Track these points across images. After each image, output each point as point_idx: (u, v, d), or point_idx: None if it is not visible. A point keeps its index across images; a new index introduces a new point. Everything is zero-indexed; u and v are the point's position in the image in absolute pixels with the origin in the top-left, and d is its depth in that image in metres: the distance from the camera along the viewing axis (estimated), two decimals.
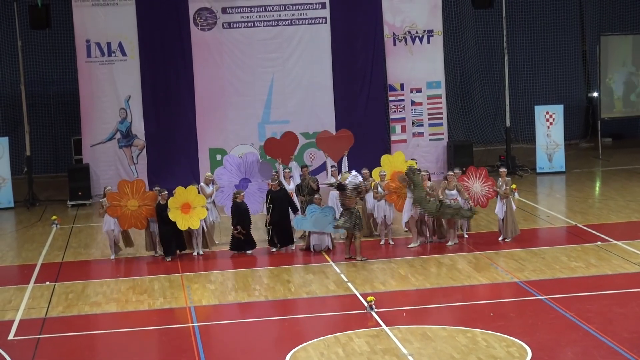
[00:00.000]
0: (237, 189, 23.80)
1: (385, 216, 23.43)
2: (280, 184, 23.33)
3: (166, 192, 22.89)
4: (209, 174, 24.48)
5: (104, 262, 22.81)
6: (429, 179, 24.73)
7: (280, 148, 25.05)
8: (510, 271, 20.40)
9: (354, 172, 22.70)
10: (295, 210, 23.34)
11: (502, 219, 22.99)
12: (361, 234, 22.39)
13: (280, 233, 22.95)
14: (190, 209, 22.50)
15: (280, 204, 22.95)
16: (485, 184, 23.27)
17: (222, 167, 24.54)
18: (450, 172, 23.45)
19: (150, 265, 22.43)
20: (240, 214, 22.88)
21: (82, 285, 20.92)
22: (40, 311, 19.04)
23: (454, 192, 22.86)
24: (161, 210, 22.48)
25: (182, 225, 22.43)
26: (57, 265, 22.97)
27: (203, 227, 23.05)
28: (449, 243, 22.83)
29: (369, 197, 23.94)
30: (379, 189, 23.51)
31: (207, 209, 22.96)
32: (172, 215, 22.36)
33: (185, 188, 22.71)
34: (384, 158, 24.75)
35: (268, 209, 23.05)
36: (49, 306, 19.35)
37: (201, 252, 22.95)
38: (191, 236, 22.98)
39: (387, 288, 19.62)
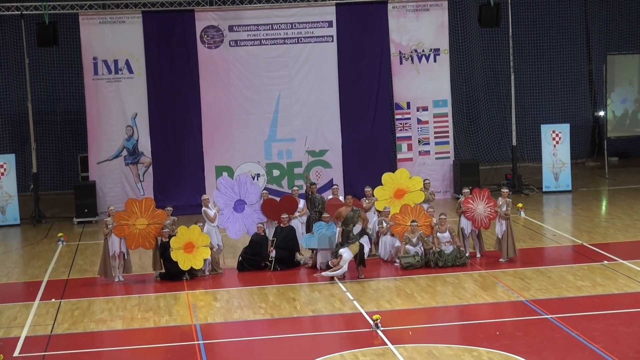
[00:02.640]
0: (234, 211, 23.85)
1: (390, 252, 23.35)
2: (289, 220, 23.38)
3: (171, 209, 23.13)
4: (205, 195, 24.38)
5: (109, 279, 22.75)
6: (434, 198, 24.84)
7: (277, 210, 24.03)
8: (516, 290, 20.36)
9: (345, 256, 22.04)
10: (297, 250, 23.44)
11: (501, 239, 22.96)
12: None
13: (284, 264, 23.14)
14: (194, 249, 22.44)
15: (283, 240, 23.08)
16: (488, 205, 23.25)
17: (217, 191, 24.44)
18: (442, 215, 23.18)
19: (156, 283, 22.41)
20: (258, 245, 23.13)
21: (88, 302, 20.91)
22: (45, 328, 19.04)
23: (447, 234, 22.88)
24: (164, 249, 22.43)
25: (184, 265, 22.28)
26: (63, 282, 22.96)
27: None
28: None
29: (369, 216, 23.96)
30: (384, 224, 23.49)
31: (211, 245, 22.91)
32: (174, 255, 22.25)
33: (188, 227, 22.56)
34: (385, 176, 24.71)
35: (272, 241, 23.12)
36: (55, 323, 19.34)
37: (207, 274, 22.90)
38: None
39: (393, 306, 19.58)
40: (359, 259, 21.89)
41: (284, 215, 23.31)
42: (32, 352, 17.60)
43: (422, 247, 22.74)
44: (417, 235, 22.73)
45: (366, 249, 22.28)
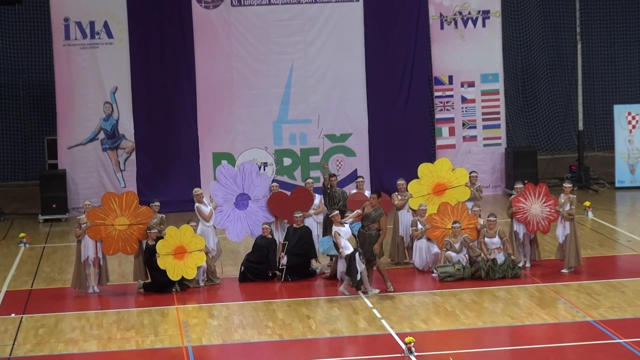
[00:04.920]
0: (235, 207, 23.86)
1: (427, 259, 23.29)
2: (304, 220, 23.39)
3: (158, 204, 23.10)
4: (198, 189, 24.20)
5: (84, 290, 22.78)
6: (481, 196, 24.78)
7: (288, 206, 23.97)
8: (581, 308, 20.33)
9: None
10: (313, 257, 23.47)
11: (563, 245, 22.90)
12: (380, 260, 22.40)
13: (296, 273, 23.17)
14: (185, 254, 22.43)
15: (296, 244, 23.11)
16: (546, 204, 23.16)
17: (216, 182, 24.43)
18: (491, 217, 23.13)
19: (139, 295, 22.46)
20: (264, 251, 23.17)
21: (56, 318, 20.96)
22: (3, 350, 19.08)
23: (496, 239, 22.84)
24: (150, 254, 22.45)
25: (173, 275, 22.30)
26: (26, 293, 23.03)
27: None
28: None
29: (402, 215, 23.95)
30: (418, 225, 23.46)
31: (206, 249, 22.88)
32: (162, 262, 22.26)
33: (178, 228, 22.58)
34: (422, 168, 24.66)
35: (283, 245, 23.09)
36: (15, 344, 19.38)
37: (201, 284, 22.95)
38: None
39: (429, 327, 19.58)
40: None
41: (298, 214, 23.27)
42: None
43: (466, 255, 22.71)
44: (460, 240, 22.70)
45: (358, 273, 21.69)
